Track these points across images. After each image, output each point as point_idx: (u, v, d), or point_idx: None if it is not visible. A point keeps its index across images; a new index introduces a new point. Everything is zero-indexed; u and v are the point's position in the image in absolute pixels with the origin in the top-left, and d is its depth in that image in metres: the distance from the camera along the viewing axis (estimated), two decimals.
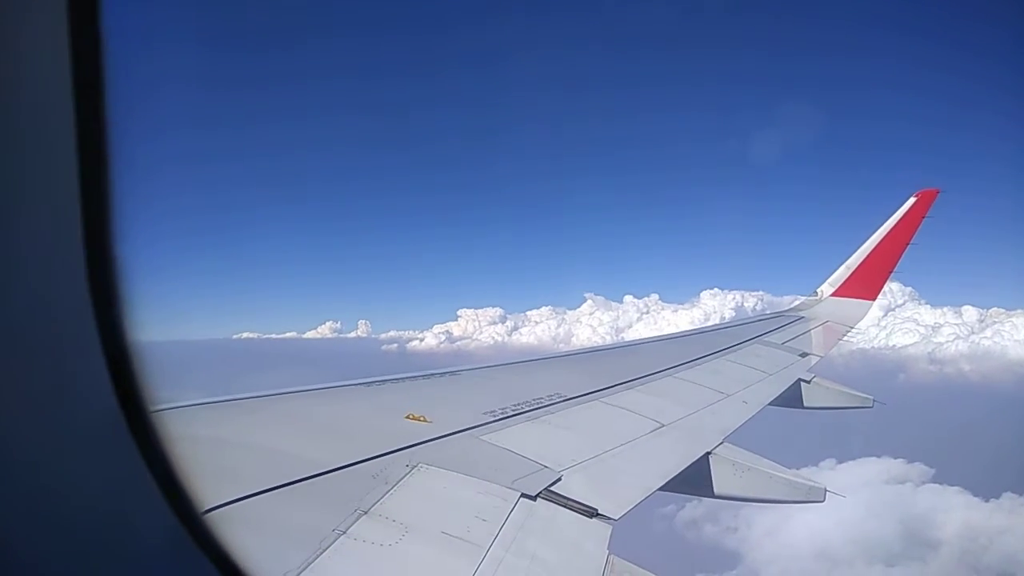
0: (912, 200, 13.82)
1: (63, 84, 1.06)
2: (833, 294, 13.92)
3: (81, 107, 1.08)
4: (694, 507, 63.66)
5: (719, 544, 60.87)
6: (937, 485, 66.05)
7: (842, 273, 14.09)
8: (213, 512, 2.47)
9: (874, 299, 13.61)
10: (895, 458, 71.94)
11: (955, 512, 60.89)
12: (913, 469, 71.34)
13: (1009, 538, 55.60)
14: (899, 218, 13.71)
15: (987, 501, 62.64)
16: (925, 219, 13.53)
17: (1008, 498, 62.36)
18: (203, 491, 2.59)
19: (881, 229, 13.86)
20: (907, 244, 13.45)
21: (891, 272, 13.65)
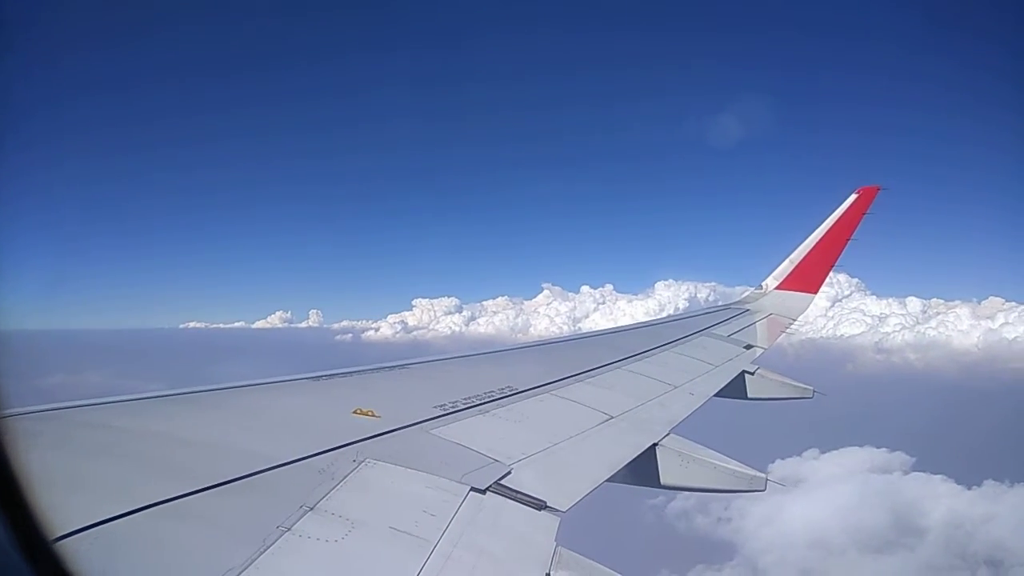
0: (853, 197, 14.26)
1: None
2: (777, 287, 14.29)
3: None
4: (685, 498, 64.06)
5: (712, 535, 61.40)
6: (922, 474, 67.23)
7: (786, 267, 14.46)
8: (153, 509, 2.41)
9: (816, 292, 14.02)
10: (877, 447, 73.66)
11: (940, 500, 62.07)
12: (895, 458, 72.95)
13: (993, 525, 57.09)
14: (840, 214, 14.14)
15: (970, 489, 63.89)
16: (866, 215, 13.99)
17: (990, 485, 63.96)
18: (142, 489, 2.52)
19: (823, 225, 14.27)
20: (848, 239, 13.88)
21: (832, 266, 14.07)
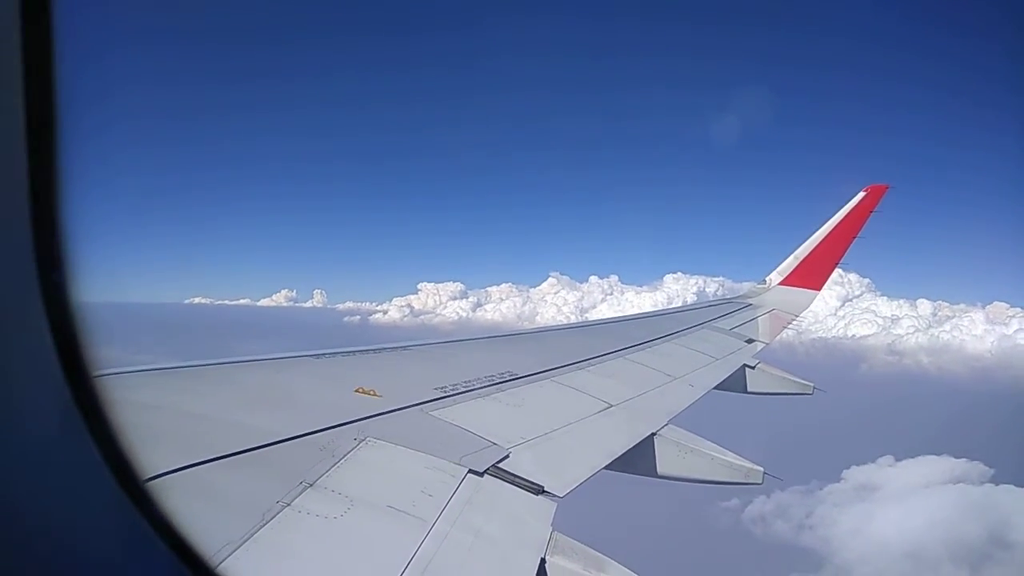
0: (861, 195, 14.20)
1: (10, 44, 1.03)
2: (781, 283, 14.27)
3: (28, 66, 1.05)
4: (762, 503, 62.47)
5: (795, 542, 58.80)
6: (1009, 486, 63.31)
7: (790, 263, 14.43)
8: (156, 480, 2.43)
9: (819, 289, 14.00)
10: (956, 457, 70.60)
11: None
12: (973, 468, 69.72)
13: None
14: (848, 212, 14.09)
15: None
16: (873, 214, 13.93)
17: None
18: (147, 459, 2.55)
19: (830, 222, 14.22)
20: (854, 237, 13.84)
21: (837, 264, 14.04)
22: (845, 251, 13.91)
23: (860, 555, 55.19)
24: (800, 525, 60.83)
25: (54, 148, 1.11)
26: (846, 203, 14.31)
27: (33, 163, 1.09)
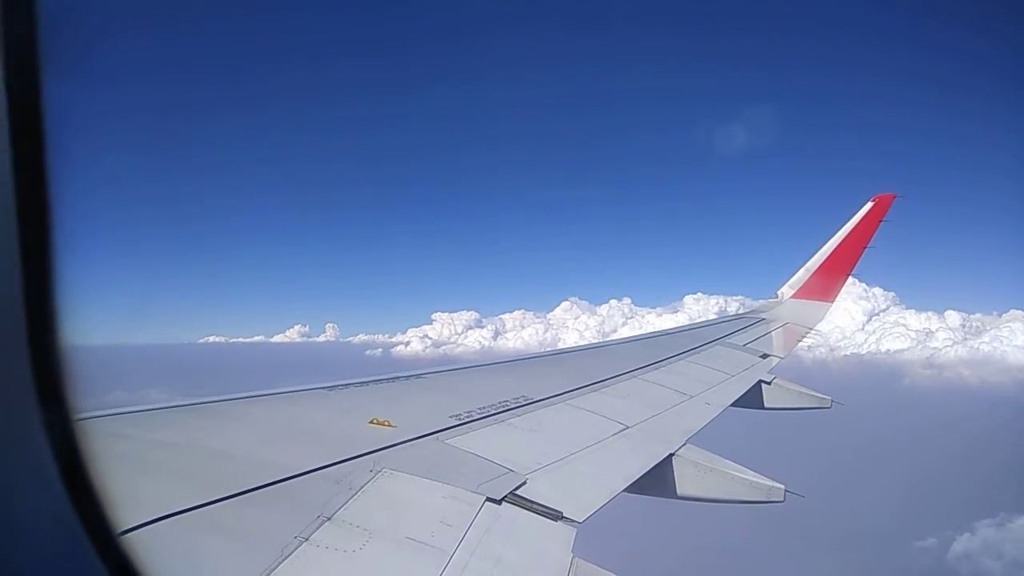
0: (869, 205, 14.16)
1: None
2: (793, 296, 14.19)
3: (17, 97, 1.04)
4: (967, 540, 58.48)
5: None
6: None
7: (801, 275, 14.37)
8: (176, 517, 2.43)
9: (832, 301, 13.91)
10: None
11: None
12: None
13: None
14: (856, 222, 14.04)
15: None
16: (882, 223, 13.87)
17: None
18: (164, 497, 2.55)
19: (839, 233, 14.18)
20: (864, 248, 13.78)
21: (849, 274, 13.97)
22: (856, 262, 13.84)
23: None
24: (1015, 563, 55.21)
25: (47, 209, 1.09)
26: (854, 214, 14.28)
27: (23, 201, 1.07)
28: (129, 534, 2.21)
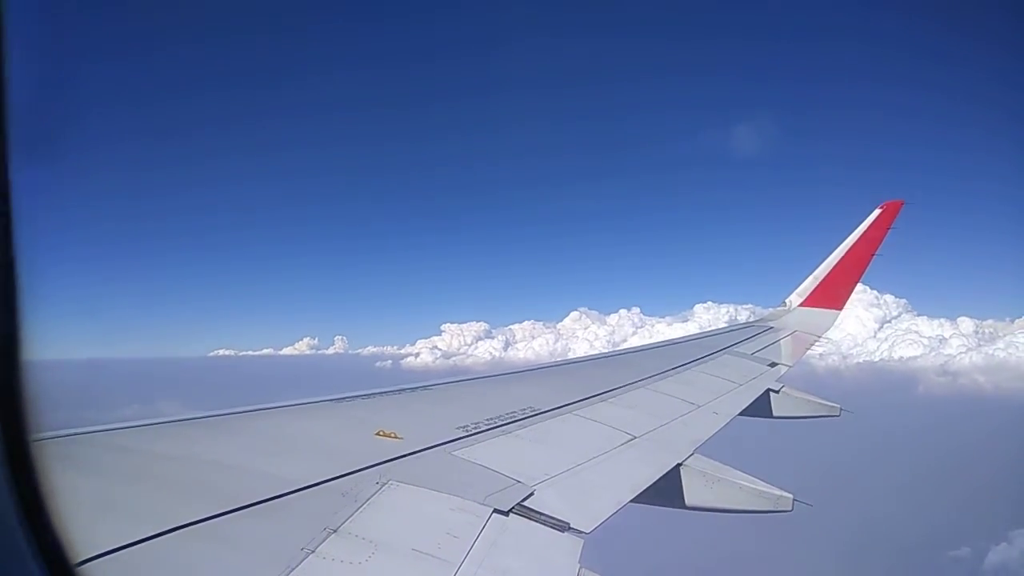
0: (877, 212, 14.11)
1: None
2: (801, 304, 14.13)
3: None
4: (1003, 550, 57.32)
5: None
6: None
7: (810, 283, 14.31)
8: (183, 530, 2.43)
9: (841, 308, 13.84)
10: None
11: None
12: None
13: None
14: (864, 229, 13.99)
15: None
16: (891, 230, 13.82)
17: None
18: (169, 511, 2.55)
19: (847, 240, 14.13)
20: (872, 255, 13.72)
21: (857, 282, 13.90)
22: (864, 270, 13.78)
23: None
24: None
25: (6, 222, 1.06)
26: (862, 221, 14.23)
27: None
28: (133, 548, 2.22)
